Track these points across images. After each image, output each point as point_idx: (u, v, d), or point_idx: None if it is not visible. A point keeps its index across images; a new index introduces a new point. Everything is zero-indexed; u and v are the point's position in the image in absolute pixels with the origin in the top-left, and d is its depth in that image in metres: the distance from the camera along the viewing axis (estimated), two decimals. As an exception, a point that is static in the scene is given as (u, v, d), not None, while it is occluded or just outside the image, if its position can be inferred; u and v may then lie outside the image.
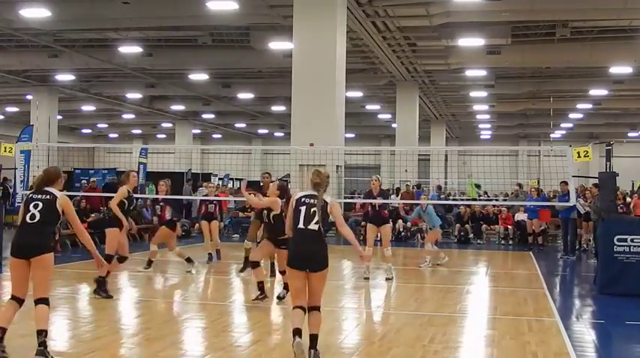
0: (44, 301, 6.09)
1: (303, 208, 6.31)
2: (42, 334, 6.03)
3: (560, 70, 27.96)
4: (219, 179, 31.16)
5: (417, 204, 15.09)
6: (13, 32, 22.58)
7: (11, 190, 23.47)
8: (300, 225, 6.27)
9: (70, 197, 19.22)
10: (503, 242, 20.50)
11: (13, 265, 6.22)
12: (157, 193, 13.61)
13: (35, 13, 19.53)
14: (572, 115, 39.13)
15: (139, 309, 9.16)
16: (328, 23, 17.94)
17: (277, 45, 22.26)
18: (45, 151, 24.58)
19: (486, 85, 30.48)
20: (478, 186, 28.10)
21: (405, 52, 25.07)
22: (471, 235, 20.55)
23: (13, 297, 6.22)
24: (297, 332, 6.08)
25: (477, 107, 37.78)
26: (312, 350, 6.07)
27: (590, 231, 16.52)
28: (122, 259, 10.09)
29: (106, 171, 24.67)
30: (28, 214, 6.23)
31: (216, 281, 12.38)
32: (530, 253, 17.43)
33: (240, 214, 21.68)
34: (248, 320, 8.69)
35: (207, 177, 31.55)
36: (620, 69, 25.64)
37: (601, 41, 22.93)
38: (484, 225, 20.82)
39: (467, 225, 20.72)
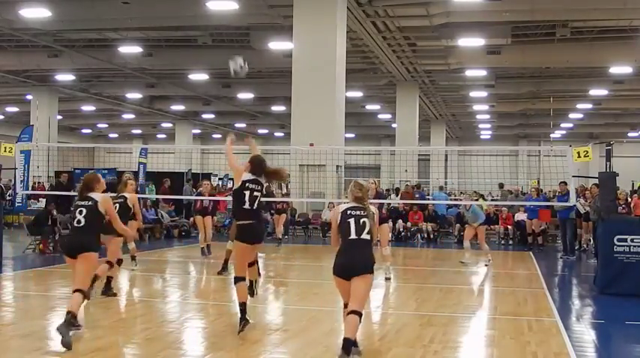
0: (80, 291, 6.81)
1: (352, 220, 6.30)
2: (69, 314, 6.62)
3: (560, 70, 27.97)
4: (219, 179, 31.12)
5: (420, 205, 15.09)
6: (13, 32, 22.59)
7: (9, 191, 23.50)
8: (353, 236, 6.26)
9: (70, 197, 19.32)
10: (503, 242, 20.48)
11: (69, 263, 7.07)
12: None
13: (35, 13, 19.54)
14: (572, 115, 39.15)
15: (139, 309, 9.15)
16: (328, 23, 17.95)
17: (277, 45, 22.26)
18: (45, 151, 24.65)
19: (486, 84, 30.49)
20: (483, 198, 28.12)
21: (405, 52, 25.08)
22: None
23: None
24: (348, 345, 6.00)
25: (476, 107, 37.80)
26: (342, 352, 6.00)
27: (590, 230, 16.51)
28: (119, 262, 10.09)
29: (106, 171, 24.62)
30: (75, 220, 6.98)
31: (216, 281, 12.37)
32: (530, 253, 17.42)
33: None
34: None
35: (207, 177, 31.54)
36: (620, 69, 25.66)
37: (601, 41, 22.94)
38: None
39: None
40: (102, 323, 7.85)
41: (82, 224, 6.94)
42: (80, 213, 6.96)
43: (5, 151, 15.21)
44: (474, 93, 32.78)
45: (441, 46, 24.07)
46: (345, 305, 6.31)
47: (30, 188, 21.17)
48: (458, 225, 20.84)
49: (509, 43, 22.62)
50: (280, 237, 17.38)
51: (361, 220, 6.30)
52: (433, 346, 6.98)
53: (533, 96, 33.18)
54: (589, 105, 35.69)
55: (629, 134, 44.22)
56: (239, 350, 6.85)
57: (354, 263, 6.20)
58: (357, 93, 31.57)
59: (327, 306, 8.99)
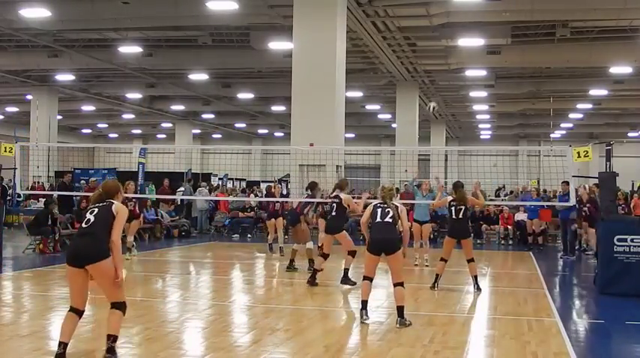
0: (118, 306, 6.06)
1: (379, 210, 8.21)
2: (110, 339, 5.95)
3: (560, 70, 27.97)
4: (219, 179, 31.15)
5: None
6: (13, 32, 22.59)
7: (10, 190, 23.52)
8: (378, 219, 8.14)
9: (70, 197, 19.29)
10: (503, 242, 20.49)
11: (70, 274, 6.08)
12: (126, 192, 13.91)
13: (35, 13, 19.53)
14: (572, 115, 39.14)
15: (139, 309, 9.15)
16: (328, 23, 17.93)
17: (277, 45, 22.26)
18: (45, 151, 24.66)
19: (486, 84, 30.47)
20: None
21: (405, 52, 25.07)
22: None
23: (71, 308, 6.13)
24: (364, 305, 8.01)
25: (476, 107, 37.78)
26: (399, 318, 7.77)
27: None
28: None
29: (105, 171, 24.67)
30: (84, 220, 6.17)
31: (216, 281, 12.39)
32: (530, 253, 17.42)
33: (240, 214, 21.70)
34: (248, 320, 8.70)
35: (207, 177, 31.56)
36: (620, 69, 25.65)
37: (601, 41, 22.93)
38: (484, 225, 20.80)
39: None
40: (102, 323, 7.84)
41: (91, 222, 6.09)
42: (91, 212, 6.19)
43: (5, 151, 15.20)
44: (473, 93, 32.77)
45: (441, 46, 24.06)
46: (364, 278, 8.09)
47: (29, 188, 21.24)
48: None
49: (509, 43, 22.61)
50: (282, 245, 15.81)
51: (386, 209, 8.19)
52: (433, 346, 6.99)
53: (533, 96, 33.15)
54: (589, 105, 35.67)
55: (629, 134, 44.20)
56: (239, 350, 6.85)
57: (386, 243, 7.99)
58: (357, 93, 31.55)
59: (327, 306, 8.99)
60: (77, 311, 6.07)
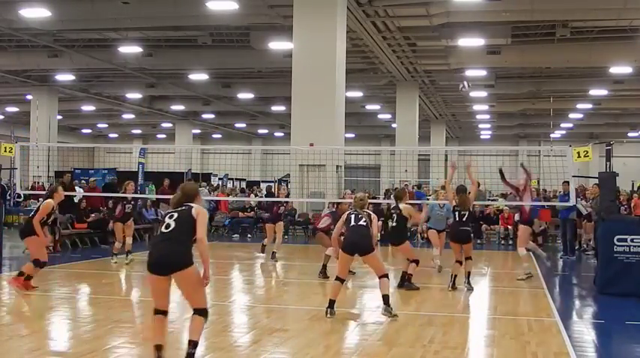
0: (201, 312, 5.90)
1: (353, 216, 8.71)
2: (191, 344, 5.79)
3: (560, 70, 27.97)
4: (219, 179, 31.16)
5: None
6: (13, 32, 22.60)
7: (9, 190, 23.49)
8: (352, 223, 8.62)
9: (71, 197, 19.30)
10: (503, 242, 20.48)
11: (152, 282, 5.92)
12: (125, 192, 13.82)
13: (35, 13, 19.54)
14: (572, 115, 39.14)
15: (139, 309, 9.15)
16: (328, 23, 17.94)
17: (277, 45, 22.26)
18: (45, 151, 24.65)
19: (486, 84, 30.47)
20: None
21: (405, 52, 25.08)
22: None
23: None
24: (331, 304, 8.39)
25: (476, 107, 37.79)
26: (384, 306, 8.29)
27: (590, 231, 16.49)
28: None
29: (105, 171, 24.70)
30: (164, 225, 5.93)
31: (216, 281, 12.35)
32: (531, 253, 17.40)
33: (240, 214, 21.70)
34: (248, 320, 8.70)
35: (207, 177, 31.57)
36: (620, 69, 25.65)
37: (601, 41, 22.94)
38: (484, 225, 20.79)
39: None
40: (102, 323, 7.85)
41: (171, 227, 5.82)
42: (171, 217, 5.92)
43: (5, 151, 15.20)
44: (473, 93, 32.75)
45: (441, 46, 24.07)
46: (337, 278, 8.51)
47: (29, 188, 21.22)
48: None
49: (509, 43, 22.62)
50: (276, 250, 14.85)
51: (359, 216, 8.65)
52: (433, 346, 6.98)
53: (533, 96, 33.16)
54: (589, 105, 35.67)
55: (629, 134, 44.20)
56: (239, 350, 6.85)
57: (358, 244, 8.46)
58: (357, 93, 31.56)
59: (327, 306, 8.96)
60: (162, 313, 5.97)
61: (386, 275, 8.41)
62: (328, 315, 8.33)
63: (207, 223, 6.09)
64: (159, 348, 5.83)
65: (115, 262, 13.44)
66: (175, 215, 5.93)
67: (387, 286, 8.36)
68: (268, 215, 15.37)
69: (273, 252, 14.57)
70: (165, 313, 5.97)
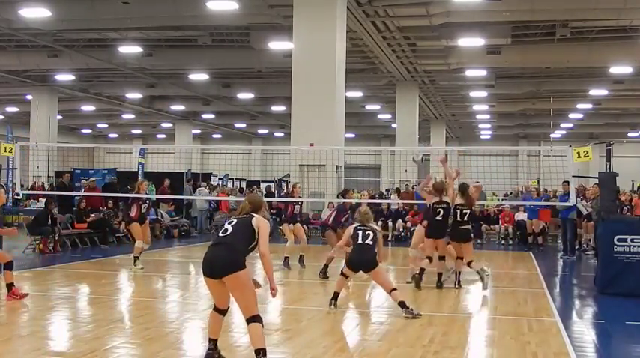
0: (256, 319, 5.87)
1: (360, 232, 8.90)
2: (259, 353, 5.76)
3: (560, 70, 27.97)
4: (219, 179, 31.14)
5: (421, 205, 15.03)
6: (13, 32, 22.60)
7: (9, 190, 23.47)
8: (360, 241, 8.85)
9: (71, 197, 19.26)
10: (503, 242, 20.49)
11: (209, 284, 5.97)
12: (138, 192, 13.08)
13: (35, 13, 19.55)
14: (572, 115, 39.15)
15: (139, 309, 9.15)
16: (328, 23, 17.94)
17: (277, 45, 22.27)
18: (45, 151, 24.64)
19: (486, 84, 30.49)
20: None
21: (405, 52, 25.08)
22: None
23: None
24: (335, 296, 8.88)
25: (476, 107, 37.81)
26: (404, 309, 8.37)
27: (590, 231, 16.49)
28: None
29: (105, 171, 24.68)
30: (221, 230, 6.01)
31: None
32: (530, 253, 17.41)
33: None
34: (248, 320, 8.68)
35: (207, 177, 31.55)
36: (620, 69, 25.67)
37: (601, 41, 22.95)
38: (484, 225, 20.80)
39: (467, 225, 20.69)
40: (102, 323, 7.85)
41: (228, 232, 5.90)
42: (230, 223, 6.02)
43: (5, 151, 15.20)
44: (473, 94, 32.78)
45: (441, 46, 24.07)
46: (341, 273, 9.02)
47: (29, 188, 21.20)
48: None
49: (509, 43, 22.62)
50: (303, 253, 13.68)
51: (367, 232, 8.88)
52: (433, 346, 6.98)
53: (533, 96, 33.18)
54: (589, 105, 35.69)
55: (629, 134, 44.21)
56: (239, 350, 6.85)
57: (365, 263, 8.74)
58: (357, 93, 31.57)
59: (326, 306, 8.98)
60: (221, 311, 6.14)
61: (394, 289, 8.60)
62: (331, 306, 8.75)
63: (268, 234, 6.00)
64: (213, 343, 6.16)
65: (142, 268, 12.52)
66: (234, 221, 6.06)
67: (398, 296, 8.52)
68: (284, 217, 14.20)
69: (301, 256, 13.37)
70: (222, 312, 6.17)
